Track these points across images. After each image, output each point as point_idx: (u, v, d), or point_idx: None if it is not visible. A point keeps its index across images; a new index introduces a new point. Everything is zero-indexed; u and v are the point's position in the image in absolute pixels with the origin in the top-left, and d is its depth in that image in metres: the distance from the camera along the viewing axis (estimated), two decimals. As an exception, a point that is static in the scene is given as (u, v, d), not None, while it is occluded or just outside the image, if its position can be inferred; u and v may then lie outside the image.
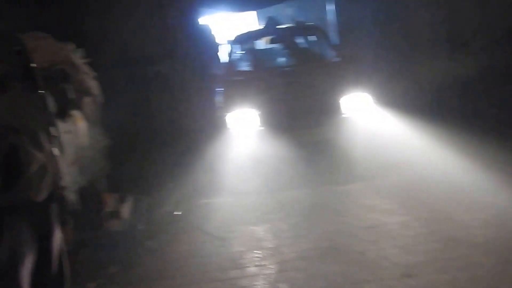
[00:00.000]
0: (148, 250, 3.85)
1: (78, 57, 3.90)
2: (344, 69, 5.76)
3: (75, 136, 3.95)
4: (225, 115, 5.46)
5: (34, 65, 1.97)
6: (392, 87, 6.25)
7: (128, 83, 6.50)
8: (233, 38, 7.26)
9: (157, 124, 6.61)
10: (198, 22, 7.90)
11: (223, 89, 6.05)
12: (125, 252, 3.66)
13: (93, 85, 3.95)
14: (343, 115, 5.32)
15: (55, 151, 2.06)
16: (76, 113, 3.98)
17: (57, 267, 2.18)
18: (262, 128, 5.31)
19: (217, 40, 8.12)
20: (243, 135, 5.34)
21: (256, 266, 3.60)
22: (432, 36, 7.07)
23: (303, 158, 5.11)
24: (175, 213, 4.49)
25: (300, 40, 7.33)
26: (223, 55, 7.53)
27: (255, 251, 3.84)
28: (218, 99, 6.07)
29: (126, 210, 3.78)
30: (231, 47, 7.02)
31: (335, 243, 3.77)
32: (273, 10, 10.40)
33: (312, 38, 7.30)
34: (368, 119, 5.32)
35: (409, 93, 6.44)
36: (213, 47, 7.99)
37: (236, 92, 5.71)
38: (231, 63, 6.78)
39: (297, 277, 3.35)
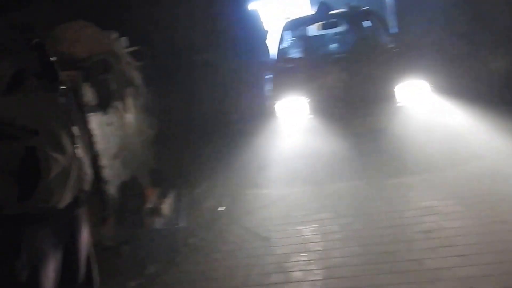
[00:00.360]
0: (190, 248, 3.69)
1: (121, 47, 3.77)
2: (400, 56, 5.49)
3: (117, 129, 3.84)
4: (274, 103, 5.29)
5: (54, 58, 1.78)
6: (457, 75, 5.77)
7: (174, 72, 6.37)
8: (283, 24, 7.03)
9: (203, 114, 6.51)
10: (246, 8, 7.67)
11: (272, 76, 5.93)
12: (166, 251, 3.52)
13: (136, 75, 3.81)
14: (398, 104, 5.04)
15: (79, 152, 1.88)
16: (118, 105, 3.87)
17: (85, 272, 2.02)
18: (312, 116, 5.10)
19: (265, 26, 7.90)
20: (292, 124, 5.16)
21: (301, 271, 3.38)
22: (508, 23, 6.44)
23: (354, 149, 4.84)
24: (218, 209, 4.31)
25: (353, 26, 6.97)
26: (273, 42, 7.32)
27: (301, 254, 3.59)
28: (268, 86, 5.97)
29: (167, 206, 3.63)
30: (282, 34, 6.80)
31: (389, 248, 3.47)
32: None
33: (367, 23, 6.98)
34: (425, 108, 5.00)
35: (476, 81, 5.90)
36: (262, 34, 7.76)
37: (286, 79, 5.54)
38: (282, 49, 6.59)
39: (346, 286, 3.10)
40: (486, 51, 6.31)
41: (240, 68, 6.68)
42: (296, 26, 7.19)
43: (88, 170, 1.93)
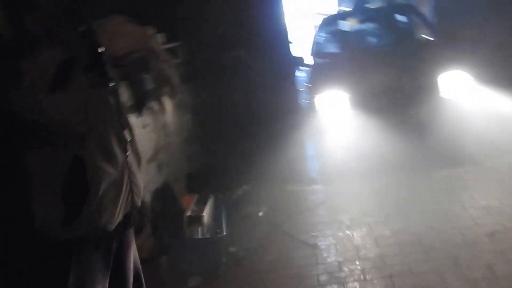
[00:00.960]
0: (232, 259, 3.42)
1: (158, 43, 3.53)
2: (440, 48, 5.38)
3: (152, 130, 3.60)
4: (313, 98, 5.22)
5: (103, 49, 1.48)
6: (501, 65, 5.55)
7: (207, 70, 6.14)
8: (320, 21, 7.08)
9: (238, 113, 6.30)
10: (277, 3, 7.39)
11: (311, 71, 5.92)
12: (208, 262, 3.25)
13: (173, 73, 3.56)
14: (441, 95, 4.93)
15: (130, 161, 1.59)
16: (154, 105, 3.63)
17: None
18: (353, 110, 4.99)
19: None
20: (333, 118, 5.06)
21: (357, 280, 3.08)
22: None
23: (398, 141, 4.61)
24: (259, 214, 4.04)
25: (390, 20, 6.82)
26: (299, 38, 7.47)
27: (354, 262, 3.29)
28: (307, 82, 5.92)
29: (207, 214, 3.37)
30: (319, 29, 6.75)
31: (453, 253, 3.15)
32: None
33: (405, 17, 6.78)
34: (469, 98, 4.88)
35: None
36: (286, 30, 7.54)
37: (325, 73, 5.49)
38: (318, 45, 6.51)
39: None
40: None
41: (272, 67, 6.47)
42: (333, 21, 7.07)
43: (140, 182, 1.66)
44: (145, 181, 3.22)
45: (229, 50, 6.55)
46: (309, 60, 6.21)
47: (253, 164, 4.90)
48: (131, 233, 1.73)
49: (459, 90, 4.94)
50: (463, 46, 5.56)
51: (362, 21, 6.70)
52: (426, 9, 7.86)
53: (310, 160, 5.23)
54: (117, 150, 1.51)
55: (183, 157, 4.36)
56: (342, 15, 7.40)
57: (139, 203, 1.65)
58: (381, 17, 6.74)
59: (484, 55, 5.54)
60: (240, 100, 6.48)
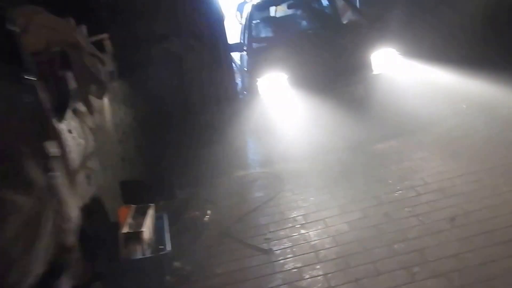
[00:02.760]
0: (178, 276, 3.02)
1: (82, 36, 3.02)
2: (368, 28, 5.69)
3: (80, 136, 3.12)
4: (255, 81, 5.24)
5: (16, 29, 1.04)
6: (422, 40, 5.76)
7: (138, 63, 5.65)
8: (250, 7, 6.96)
9: (172, 106, 5.91)
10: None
11: (249, 57, 5.96)
12: (149, 282, 2.85)
13: (100, 69, 3.08)
14: (372, 72, 5.15)
15: (59, 183, 1.14)
16: (80, 107, 3.14)
17: None
18: (292, 90, 5.08)
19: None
20: (274, 100, 5.13)
21: (322, 288, 2.79)
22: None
23: (338, 119, 4.75)
24: (205, 219, 3.67)
25: (318, 3, 7.19)
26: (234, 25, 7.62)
27: (315, 266, 3.01)
28: (246, 67, 5.99)
29: (147, 227, 2.95)
30: (249, 16, 6.75)
31: (417, 245, 2.96)
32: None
33: (329, 1, 7.08)
34: (398, 74, 5.13)
35: (439, 43, 5.80)
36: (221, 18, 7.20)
37: (263, 58, 5.54)
38: (251, 31, 6.55)
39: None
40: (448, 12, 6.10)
41: (209, 58, 6.11)
42: (263, 7, 7.26)
43: (73, 212, 1.23)
44: (70, 195, 2.78)
45: (160, 41, 6.12)
46: (246, 45, 6.22)
47: (194, 161, 4.54)
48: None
49: (390, 66, 5.15)
50: (387, 26, 5.87)
51: (290, 7, 6.93)
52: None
53: (254, 147, 5.22)
54: (34, 171, 1.08)
55: (116, 161, 3.88)
56: (270, 2, 7.54)
57: (70, 243, 1.22)
58: (308, 2, 7.00)
59: (406, 32, 5.80)
60: (173, 92, 6.09)
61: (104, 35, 3.74)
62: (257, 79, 5.22)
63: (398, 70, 5.14)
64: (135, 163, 4.34)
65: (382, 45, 5.21)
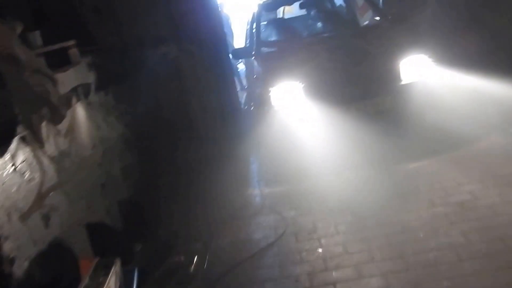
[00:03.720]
0: None
1: (24, 46, 2.44)
2: (393, 30, 5.01)
3: (32, 170, 2.55)
4: (268, 91, 4.54)
5: None
6: (459, 45, 5.20)
7: (127, 72, 5.09)
8: (256, 7, 6.21)
9: (166, 120, 5.36)
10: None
11: (259, 63, 5.30)
12: None
13: (54, 90, 2.50)
14: (401, 82, 4.41)
15: None
16: (27, 136, 2.56)
17: None
18: (309, 101, 4.39)
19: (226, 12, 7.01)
20: (289, 111, 4.44)
21: None
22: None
23: (360, 134, 4.08)
24: (190, 269, 3.01)
25: (331, 3, 6.64)
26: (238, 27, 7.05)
27: None
28: (256, 74, 5.40)
29: (113, 284, 2.35)
30: (256, 17, 6.02)
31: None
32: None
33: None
34: (432, 83, 4.42)
35: (483, 49, 5.17)
36: (223, 19, 6.62)
37: (275, 64, 4.85)
38: (259, 34, 5.84)
39: None
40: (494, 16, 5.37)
41: (206, 60, 5.55)
42: (271, 7, 6.60)
43: None
44: (15, 248, 2.21)
45: (156, 46, 5.57)
46: (254, 50, 5.58)
47: (187, 188, 3.93)
48: None
49: (422, 74, 4.43)
50: (416, 28, 5.26)
51: (302, 7, 6.22)
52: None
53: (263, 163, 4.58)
54: None
55: (94, 189, 3.31)
56: (280, 1, 6.80)
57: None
58: (322, 1, 6.39)
59: (441, 37, 5.25)
60: (170, 103, 5.54)
61: (70, 42, 3.15)
62: (270, 88, 4.55)
63: (432, 79, 4.45)
64: (119, 188, 3.77)
65: (412, 50, 4.49)
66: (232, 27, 9.18)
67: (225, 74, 5.72)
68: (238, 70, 9.50)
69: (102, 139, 3.69)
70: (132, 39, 5.24)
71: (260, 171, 4.79)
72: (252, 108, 5.50)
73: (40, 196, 2.55)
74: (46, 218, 2.54)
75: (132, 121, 4.66)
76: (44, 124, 2.46)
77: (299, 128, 4.36)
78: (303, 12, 6.47)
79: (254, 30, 5.87)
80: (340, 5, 6.84)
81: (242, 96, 7.14)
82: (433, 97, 4.31)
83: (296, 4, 6.48)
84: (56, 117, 2.48)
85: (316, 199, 3.83)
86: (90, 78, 3.72)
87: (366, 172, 4.07)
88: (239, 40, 8.74)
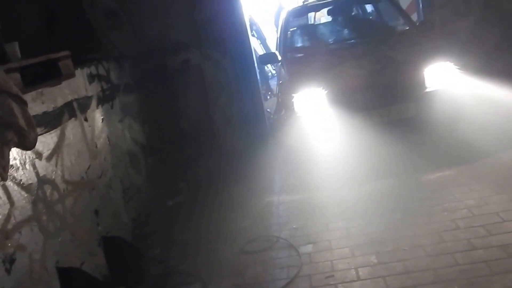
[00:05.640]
0: None
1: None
2: (420, 37, 4.84)
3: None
4: (291, 97, 4.35)
5: None
6: (486, 54, 5.10)
7: (148, 77, 4.76)
8: (286, 13, 6.04)
9: (186, 128, 5.03)
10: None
11: (284, 69, 5.12)
12: None
13: (22, 111, 2.11)
14: (426, 89, 4.22)
15: None
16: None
17: None
18: (332, 109, 4.22)
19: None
20: (311, 118, 4.29)
21: None
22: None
23: (382, 142, 3.89)
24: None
25: (360, 10, 6.56)
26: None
27: None
28: (281, 80, 5.24)
29: None
30: (285, 23, 5.84)
31: None
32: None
33: (375, 6, 6.39)
34: (457, 92, 4.19)
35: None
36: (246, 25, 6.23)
37: (299, 70, 4.69)
38: (287, 39, 5.70)
39: None
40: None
41: (229, 67, 5.16)
42: (300, 13, 6.46)
43: None
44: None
45: (177, 52, 5.21)
46: (278, 56, 5.32)
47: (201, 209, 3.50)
48: None
49: (447, 83, 4.23)
50: (444, 35, 5.22)
51: (331, 13, 6.05)
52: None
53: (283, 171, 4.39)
54: None
55: (83, 218, 2.93)
56: (310, 7, 6.70)
57: None
58: (350, 8, 6.21)
59: (467, 45, 5.15)
60: (191, 115, 5.19)
61: (64, 53, 2.78)
62: (293, 94, 4.36)
63: (458, 88, 4.22)
64: (117, 213, 3.38)
65: (436, 57, 4.30)
66: (263, 33, 8.77)
67: (251, 82, 5.33)
68: (270, 76, 9.09)
69: (101, 158, 3.32)
70: (151, 44, 4.91)
71: (280, 179, 4.56)
72: (276, 114, 5.35)
73: (4, 234, 2.17)
74: (9, 261, 2.16)
75: (143, 136, 4.30)
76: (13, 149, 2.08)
77: (321, 135, 4.24)
78: (333, 18, 6.23)
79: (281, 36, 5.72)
80: (370, 11, 6.79)
81: (273, 103, 6.85)
82: (458, 107, 4.19)
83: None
84: (25, 142, 2.10)
85: (333, 214, 3.52)
86: (91, 91, 3.36)
87: (387, 182, 3.89)
88: (271, 45, 8.39)
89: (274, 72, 8.99)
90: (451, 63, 4.26)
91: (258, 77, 5.60)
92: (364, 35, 5.38)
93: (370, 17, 6.50)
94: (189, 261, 3.02)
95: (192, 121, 5.27)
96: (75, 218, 2.81)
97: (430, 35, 4.95)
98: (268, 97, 7.99)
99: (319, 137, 4.24)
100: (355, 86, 4.27)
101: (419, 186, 3.70)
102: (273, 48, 7.68)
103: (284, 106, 4.70)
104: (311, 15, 7.61)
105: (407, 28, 5.34)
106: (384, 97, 4.22)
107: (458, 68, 4.29)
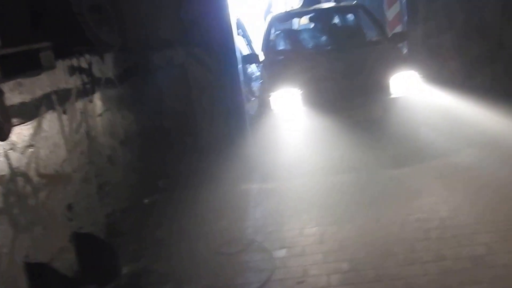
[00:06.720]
0: None
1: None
2: (389, 48, 5.31)
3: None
4: (268, 96, 4.76)
5: None
6: (447, 64, 5.49)
7: (131, 73, 4.69)
8: (270, 18, 6.45)
9: (168, 124, 4.98)
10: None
11: (263, 69, 5.61)
12: None
13: (2, 106, 2.03)
14: (391, 95, 4.68)
15: None
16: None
17: None
18: (306, 108, 4.65)
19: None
20: (286, 116, 4.69)
21: None
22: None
23: (350, 140, 4.32)
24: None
25: (340, 19, 7.01)
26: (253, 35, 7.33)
27: None
28: (261, 79, 5.70)
29: None
30: (268, 27, 6.24)
31: None
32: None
33: (355, 16, 6.87)
34: (418, 98, 4.67)
35: (466, 69, 5.44)
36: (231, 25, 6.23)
37: (278, 71, 5.12)
38: (269, 42, 6.12)
39: None
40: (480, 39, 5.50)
41: (213, 65, 5.13)
42: (283, 19, 6.93)
43: None
44: None
45: (162, 50, 5.15)
46: (261, 56, 5.75)
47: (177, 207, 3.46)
48: None
49: (410, 90, 4.69)
50: (411, 46, 5.70)
51: (312, 20, 6.50)
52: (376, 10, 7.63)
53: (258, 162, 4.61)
54: None
55: (53, 218, 2.85)
56: (292, 14, 7.25)
57: None
58: (330, 16, 6.68)
59: (432, 55, 5.50)
60: (175, 110, 5.15)
61: (45, 44, 2.72)
62: (270, 93, 4.74)
63: (419, 95, 4.69)
64: (92, 209, 3.31)
65: (402, 66, 4.77)
66: (249, 33, 8.74)
67: (233, 82, 5.33)
68: (253, 79, 9.04)
69: (77, 152, 3.25)
70: (136, 41, 4.84)
71: (255, 169, 4.78)
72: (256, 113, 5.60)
73: None
74: None
75: (123, 131, 4.23)
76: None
77: (295, 131, 4.55)
78: (314, 25, 6.69)
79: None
80: (351, 20, 7.13)
81: (254, 103, 6.90)
82: (418, 111, 4.60)
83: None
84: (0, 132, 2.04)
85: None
86: (71, 83, 3.29)
87: (353, 175, 4.29)
88: (256, 46, 8.39)
89: (258, 74, 8.96)
90: (415, 72, 4.68)
91: (242, 77, 5.60)
92: (340, 42, 5.78)
93: (349, 26, 6.88)
94: (163, 261, 2.97)
95: (174, 118, 5.22)
96: (48, 212, 2.74)
97: (399, 47, 5.45)
98: (252, 99, 7.93)
99: (292, 133, 4.54)
100: (327, 88, 4.63)
101: (384, 180, 4.09)
102: (259, 48, 7.72)
103: (262, 103, 5.00)
104: (295, 20, 8.08)
105: (380, 38, 5.70)
106: (353, 100, 4.60)
107: (421, 78, 4.74)
